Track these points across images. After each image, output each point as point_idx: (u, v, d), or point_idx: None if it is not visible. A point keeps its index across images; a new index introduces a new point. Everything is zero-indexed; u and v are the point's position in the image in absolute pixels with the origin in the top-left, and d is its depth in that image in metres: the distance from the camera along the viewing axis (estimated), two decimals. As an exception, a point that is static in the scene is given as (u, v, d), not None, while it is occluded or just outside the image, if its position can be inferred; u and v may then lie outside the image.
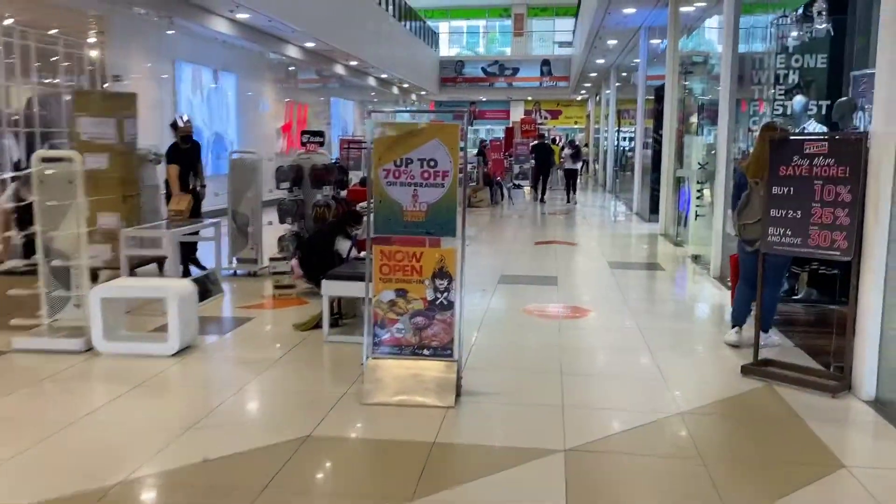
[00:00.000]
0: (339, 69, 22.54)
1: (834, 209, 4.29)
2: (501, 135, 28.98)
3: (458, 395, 4.16)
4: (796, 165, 4.46)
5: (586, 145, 28.27)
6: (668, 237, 11.47)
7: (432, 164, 4.12)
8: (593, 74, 25.59)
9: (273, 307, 6.62)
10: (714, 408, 4.17)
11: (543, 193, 18.65)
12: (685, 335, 5.74)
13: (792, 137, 4.65)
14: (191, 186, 7.69)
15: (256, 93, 17.90)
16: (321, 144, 8.16)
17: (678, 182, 11.38)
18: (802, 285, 6.85)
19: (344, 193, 8.36)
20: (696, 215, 10.71)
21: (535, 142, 19.92)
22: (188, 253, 7.77)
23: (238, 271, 8.21)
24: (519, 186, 21.32)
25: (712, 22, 11.80)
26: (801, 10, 7.12)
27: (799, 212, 4.45)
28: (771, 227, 4.60)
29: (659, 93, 14.27)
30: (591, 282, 8.07)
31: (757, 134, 5.45)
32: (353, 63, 22.41)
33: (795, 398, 4.25)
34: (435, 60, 33.60)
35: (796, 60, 7.68)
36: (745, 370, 4.66)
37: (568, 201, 18.42)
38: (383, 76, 26.26)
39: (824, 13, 6.70)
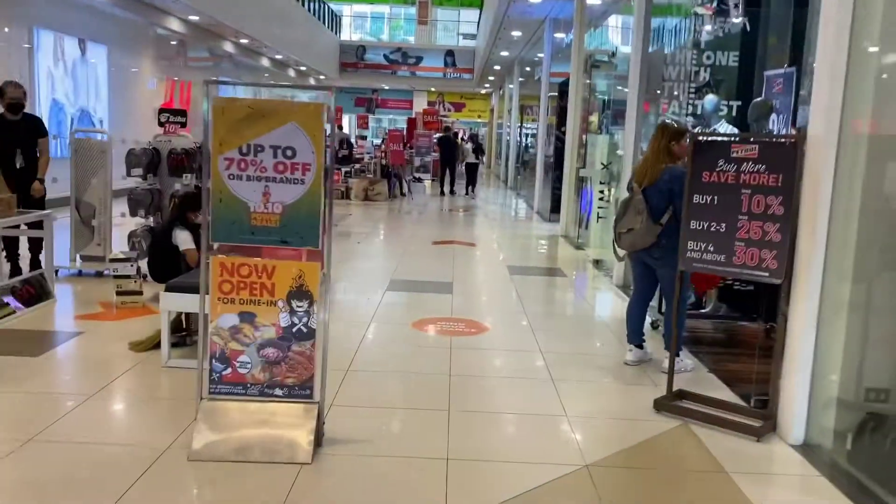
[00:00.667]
0: (229, 47, 21.01)
1: (763, 223, 3.71)
2: (404, 125, 28.14)
3: (318, 444, 3.31)
4: (721, 171, 3.85)
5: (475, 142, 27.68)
6: (570, 239, 10.99)
7: (289, 153, 3.23)
8: (497, 67, 25.14)
9: (113, 318, 5.51)
10: (626, 457, 3.50)
11: (452, 185, 18.84)
12: (590, 358, 5.10)
13: (718, 138, 4.06)
14: (19, 166, 6.41)
15: (132, 68, 16.24)
16: (183, 125, 7.04)
17: (580, 182, 10.91)
18: (711, 298, 6.41)
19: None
20: (598, 217, 10.26)
21: (441, 135, 19.92)
22: (35, 250, 6.52)
23: (83, 271, 7.01)
24: (419, 180, 20.56)
25: (619, 18, 11.39)
26: (716, 2, 6.65)
27: (723, 224, 3.86)
28: (691, 242, 3.99)
29: (563, 89, 13.82)
30: (490, 289, 7.37)
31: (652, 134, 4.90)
32: (244, 41, 20.93)
33: (716, 442, 3.65)
34: (335, 44, 32.28)
35: (708, 57, 7.25)
36: (659, 405, 4.04)
37: (466, 194, 18.70)
38: (278, 57, 24.82)
39: (741, 5, 6.24)
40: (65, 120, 13.56)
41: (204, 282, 3.31)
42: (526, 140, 21.44)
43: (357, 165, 16.92)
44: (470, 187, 19.23)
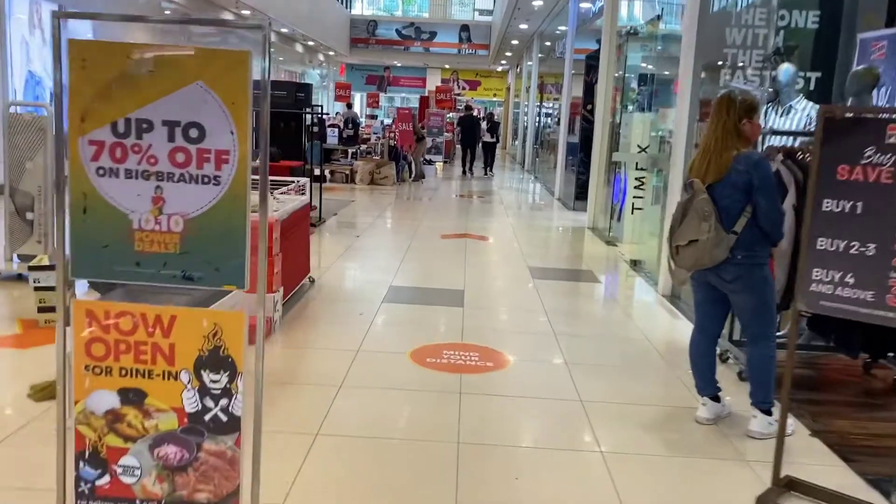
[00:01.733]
0: (228, 17, 19.69)
1: (939, 246, 2.42)
2: (417, 104, 26.78)
3: None
4: (870, 165, 2.56)
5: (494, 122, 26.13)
6: (598, 232, 9.69)
7: (193, 133, 1.97)
8: (515, 42, 23.67)
9: (29, 343, 4.31)
10: None
11: (471, 165, 18.87)
12: (647, 411, 3.83)
13: (865, 115, 2.76)
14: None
15: (121, 37, 14.98)
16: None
17: (613, 167, 9.58)
18: (787, 319, 5.11)
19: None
20: (634, 208, 8.94)
21: (462, 115, 20.15)
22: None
23: (23, 273, 5.80)
24: (430, 162, 19.25)
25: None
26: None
27: (872, 245, 2.57)
28: (818, 269, 2.70)
29: (591, 63, 12.44)
30: (509, 301, 6.09)
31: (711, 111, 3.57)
32: (246, 12, 19.60)
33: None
34: (345, 18, 30.87)
35: (782, 17, 5.90)
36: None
37: (486, 175, 18.60)
38: (283, 30, 23.48)
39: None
40: (43, 94, 12.37)
41: (61, 341, 2.06)
42: (545, 120, 20.03)
43: (363, 147, 15.63)
44: (488, 168, 19.16)
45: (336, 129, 15.16)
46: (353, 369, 4.11)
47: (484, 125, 21.37)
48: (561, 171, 13.88)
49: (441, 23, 31.97)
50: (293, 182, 6.01)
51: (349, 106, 23.57)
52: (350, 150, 15.39)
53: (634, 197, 8.94)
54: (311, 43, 27.36)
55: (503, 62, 31.44)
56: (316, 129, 15.42)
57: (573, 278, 6.99)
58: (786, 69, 5.59)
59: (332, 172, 15.04)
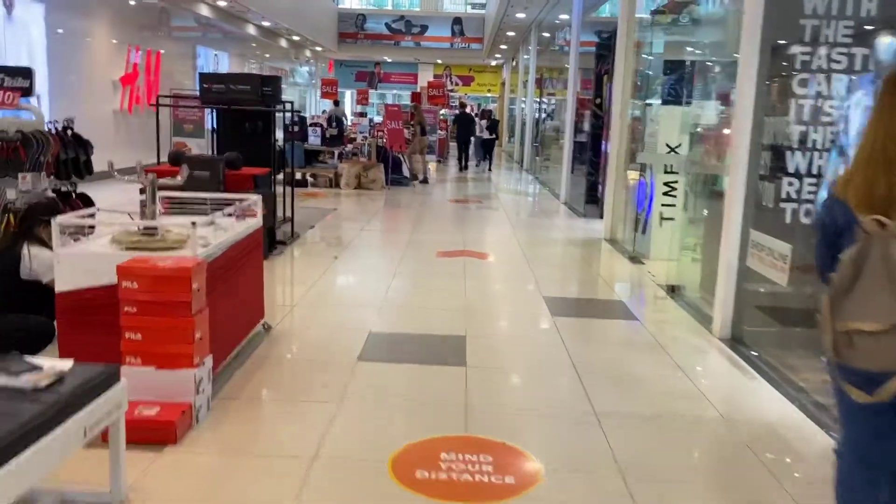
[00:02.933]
0: (205, 10, 18.24)
1: None
2: (408, 100, 25.39)
3: None
4: None
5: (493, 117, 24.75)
6: (618, 246, 8.31)
7: None
8: (511, 34, 22.26)
9: None
10: None
11: (466, 161, 19.11)
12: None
13: None
14: None
15: (80, 32, 13.53)
16: (26, 93, 4.37)
17: (639, 170, 8.20)
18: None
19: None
20: (663, 219, 7.58)
21: (458, 112, 20.54)
22: None
23: None
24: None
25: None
26: None
27: None
28: None
29: (602, 52, 11.07)
30: (526, 356, 4.64)
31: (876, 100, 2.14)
32: (222, 3, 18.16)
33: None
34: (332, 12, 29.41)
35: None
36: None
37: (489, 169, 18.98)
38: (265, 24, 22.02)
39: None
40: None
41: None
42: (545, 116, 18.62)
43: (349, 147, 14.21)
44: (487, 164, 19.44)
45: (319, 129, 13.74)
46: (306, 497, 2.71)
47: (483, 123, 20.87)
48: (567, 172, 12.50)
49: (432, 16, 30.54)
50: (243, 200, 4.60)
51: (336, 103, 22.19)
52: (335, 152, 13.98)
53: (664, 205, 7.58)
54: (296, 38, 25.91)
55: (498, 56, 30.04)
56: (295, 128, 14.02)
57: (602, 313, 5.59)
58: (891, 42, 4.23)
59: (314, 176, 13.63)
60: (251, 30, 22.02)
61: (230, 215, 4.23)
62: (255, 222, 4.47)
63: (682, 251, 6.77)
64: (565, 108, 15.29)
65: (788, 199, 4.52)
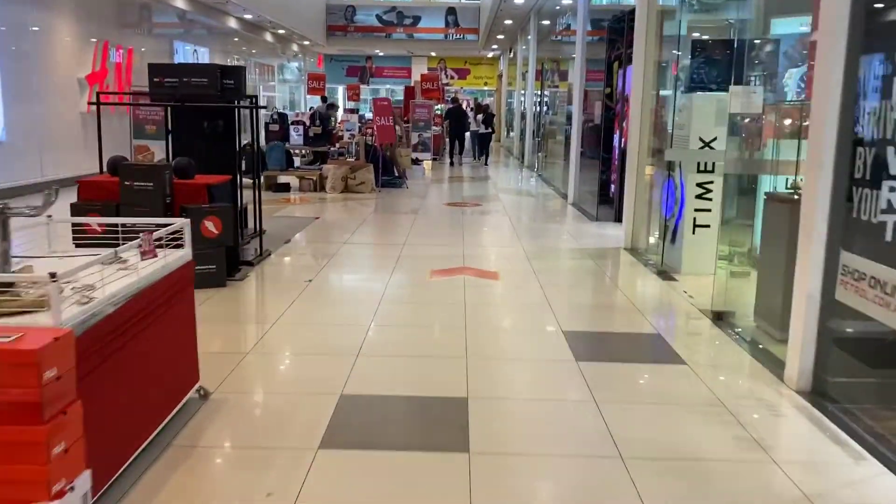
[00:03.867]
0: (180, 2, 17.04)
1: None
2: (402, 95, 24.21)
3: None
4: None
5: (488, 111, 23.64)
6: (642, 257, 7.17)
7: None
8: (508, 22, 21.07)
9: None
10: None
11: (460, 154, 19.22)
12: None
13: None
14: None
15: (36, 25, 12.34)
16: None
17: (664, 168, 7.04)
18: None
19: None
20: (696, 226, 6.43)
21: (450, 106, 20.29)
22: None
23: None
24: (418, 162, 16.68)
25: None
26: None
27: None
28: None
29: (614, 36, 9.91)
30: (550, 431, 3.44)
31: None
32: (198, -6, 16.97)
33: None
34: (320, 4, 28.17)
35: None
36: None
37: (486, 164, 18.89)
38: (247, 17, 20.82)
39: None
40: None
41: None
42: (547, 109, 17.43)
43: (335, 146, 13.05)
44: (483, 157, 19.41)
45: (301, 127, 12.57)
46: None
47: (479, 117, 20.32)
48: (575, 169, 11.34)
49: (425, 6, 29.29)
50: (165, 226, 3.41)
51: (325, 100, 21.00)
52: (317, 151, 12.81)
53: (697, 210, 6.43)
54: (281, 31, 24.71)
55: (494, 47, 28.85)
56: (275, 126, 12.88)
57: (639, 355, 4.42)
58: None
59: (299, 179, 12.47)
60: (233, 23, 20.82)
61: (154, 248, 3.05)
62: (180, 256, 3.32)
63: (723, 264, 5.63)
64: (570, 99, 14.15)
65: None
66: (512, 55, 26.55)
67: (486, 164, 19.01)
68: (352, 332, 4.62)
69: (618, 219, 9.40)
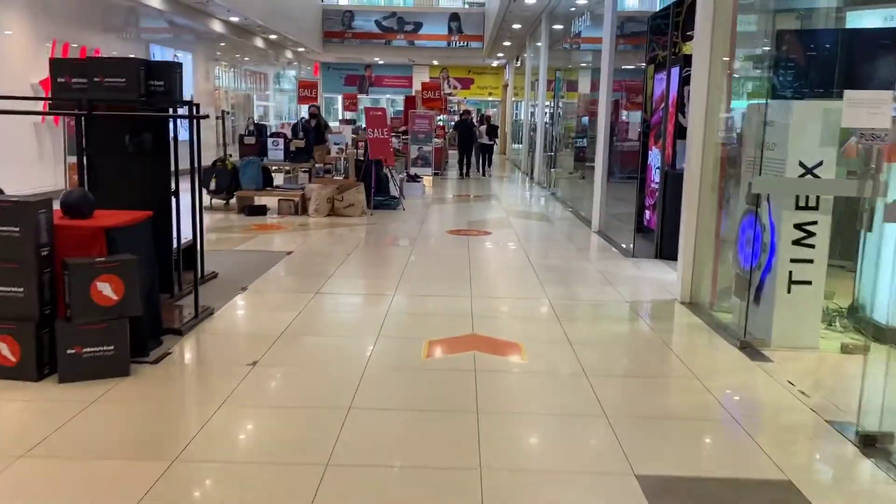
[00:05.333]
0: (155, 2, 15.38)
1: None
2: (402, 106, 22.55)
3: None
4: None
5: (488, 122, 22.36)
6: (705, 315, 5.40)
7: None
8: (517, 27, 19.40)
9: None
10: None
11: (468, 168, 18.76)
12: None
13: None
14: None
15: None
16: None
17: (744, 201, 5.28)
18: None
19: None
20: (793, 283, 4.69)
21: (459, 119, 20.34)
22: None
23: None
24: (417, 178, 14.94)
25: None
26: None
27: None
28: None
29: (657, 30, 8.20)
30: None
31: None
32: (175, -8, 15.31)
33: None
34: (316, 8, 26.58)
35: None
36: None
37: (483, 174, 18.82)
38: (233, 20, 19.17)
39: None
40: None
41: None
42: (560, 120, 15.71)
43: (322, 162, 11.32)
44: (485, 167, 19.24)
45: (281, 140, 10.84)
46: None
47: (482, 129, 19.49)
48: (601, 191, 9.60)
49: (427, 11, 27.71)
50: None
51: (316, 110, 19.31)
52: (300, 169, 11.09)
53: (794, 261, 4.67)
54: (273, 37, 23.07)
55: (500, 55, 27.21)
56: (251, 140, 11.16)
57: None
58: None
59: (278, 200, 10.73)
60: (218, 27, 19.17)
61: None
62: None
63: (835, 333, 3.87)
64: (588, 109, 12.50)
65: None
66: (519, 63, 24.90)
67: (488, 175, 18.91)
68: (299, 476, 2.85)
69: (660, 255, 7.66)
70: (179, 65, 5.14)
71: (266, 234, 8.86)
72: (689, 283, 5.84)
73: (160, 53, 16.79)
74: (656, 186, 8.39)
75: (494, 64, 30.93)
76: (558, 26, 16.87)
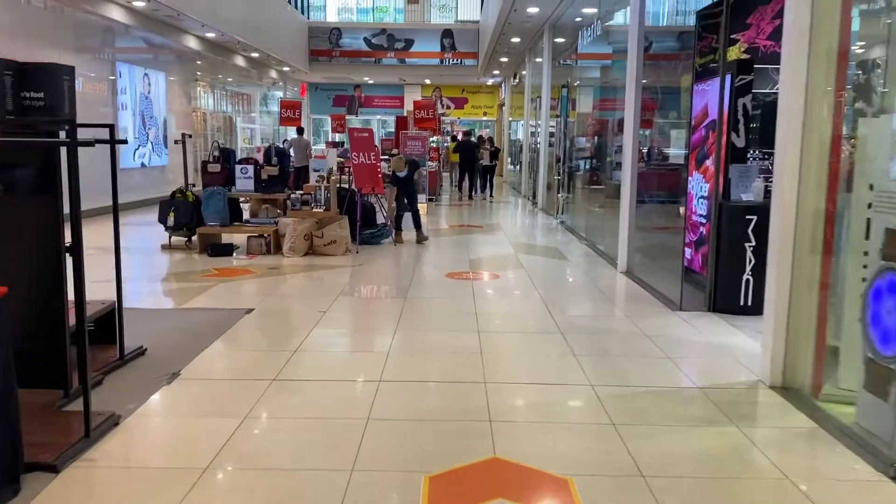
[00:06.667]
0: (116, 13, 13.92)
1: None
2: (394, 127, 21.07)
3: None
4: None
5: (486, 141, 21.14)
6: (806, 406, 3.85)
7: None
8: (516, 40, 18.01)
9: None
10: None
11: (472, 189, 18.64)
12: None
13: None
14: None
15: None
16: None
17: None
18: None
19: None
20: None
21: (461, 139, 19.81)
22: None
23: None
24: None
25: None
26: None
27: None
28: None
29: (706, 31, 6.75)
30: None
31: None
32: (140, 4, 13.84)
33: None
34: (301, 26, 25.22)
35: None
36: None
37: (485, 197, 18.42)
38: (209, 35, 17.72)
39: None
40: None
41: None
42: (565, 140, 14.20)
43: (299, 193, 9.78)
44: (487, 190, 18.74)
45: (251, 168, 9.30)
46: None
47: (484, 149, 18.61)
48: (628, 226, 8.08)
49: (419, 28, 26.37)
50: None
51: (300, 131, 17.85)
52: (273, 198, 9.55)
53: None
54: (255, 55, 21.64)
55: (495, 72, 25.85)
56: (216, 167, 9.62)
57: None
58: None
59: (247, 237, 9.17)
60: (193, 43, 17.71)
61: None
62: None
63: None
64: (603, 128, 11.05)
65: None
66: (517, 81, 23.54)
67: (490, 199, 18.21)
68: None
69: (714, 307, 6.14)
70: (67, 69, 3.60)
71: (227, 281, 7.29)
72: (781, 360, 4.30)
73: (127, 71, 15.30)
74: (698, 219, 6.89)
75: (489, 82, 29.59)
76: (560, 39, 15.49)
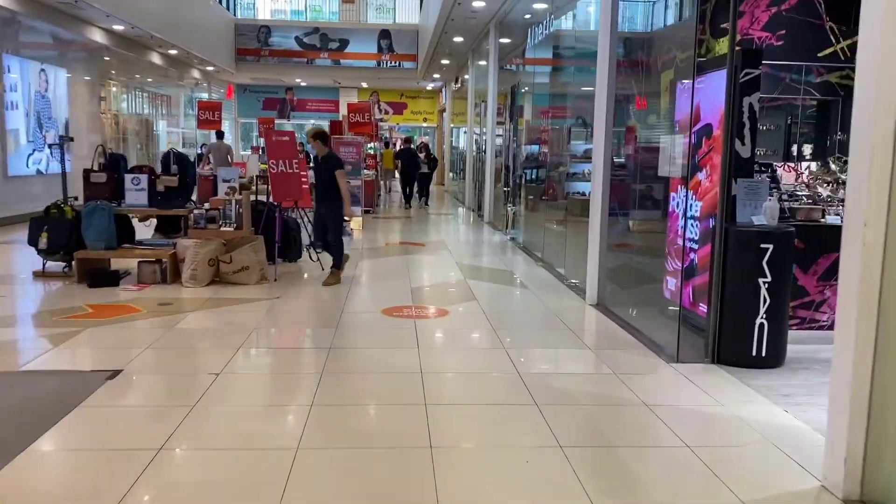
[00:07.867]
0: (12, 3, 11.98)
1: None
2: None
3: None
4: None
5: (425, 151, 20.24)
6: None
7: None
8: (458, 40, 16.69)
9: None
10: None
11: (410, 197, 18.22)
12: None
13: None
14: None
15: None
16: None
17: None
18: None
19: None
20: None
21: (402, 147, 19.32)
22: None
23: None
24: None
25: None
26: None
27: None
28: None
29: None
30: None
31: None
32: (27, -14, 11.94)
33: None
34: (227, 22, 23.37)
35: None
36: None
37: (421, 205, 18.20)
38: (116, 27, 15.80)
39: None
40: None
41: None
42: (515, 148, 12.92)
43: (204, 208, 8.13)
44: (423, 199, 18.86)
45: (144, 178, 7.64)
46: None
47: (421, 156, 18.28)
48: (598, 250, 6.80)
49: (354, 28, 24.83)
50: None
51: (220, 135, 16.10)
52: (167, 215, 7.92)
53: None
54: (173, 52, 19.71)
55: (436, 76, 24.54)
56: (101, 177, 7.89)
57: None
58: None
59: (138, 263, 7.50)
60: (99, 37, 15.74)
61: None
62: None
63: None
64: (554, 137, 9.85)
65: None
66: (459, 85, 22.26)
67: (426, 207, 18.22)
68: None
69: (717, 358, 4.88)
70: None
71: (100, 325, 5.65)
72: (860, 461, 3.01)
73: (20, 66, 13.32)
74: (689, 244, 5.66)
75: (430, 87, 28.28)
76: (506, 40, 14.27)
